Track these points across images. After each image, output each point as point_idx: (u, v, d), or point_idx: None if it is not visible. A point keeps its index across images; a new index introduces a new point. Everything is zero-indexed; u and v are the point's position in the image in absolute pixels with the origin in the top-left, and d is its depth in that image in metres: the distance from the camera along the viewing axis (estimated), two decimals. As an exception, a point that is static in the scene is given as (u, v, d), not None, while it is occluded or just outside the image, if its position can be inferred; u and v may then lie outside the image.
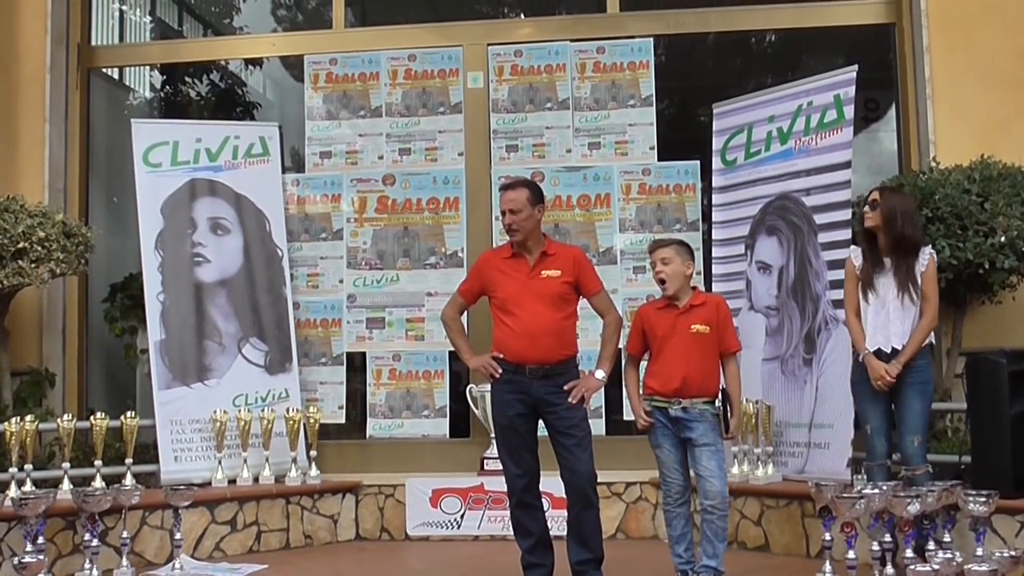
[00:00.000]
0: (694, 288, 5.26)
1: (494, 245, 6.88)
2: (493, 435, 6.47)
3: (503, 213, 5.15)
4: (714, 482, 5.01)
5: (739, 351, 5.29)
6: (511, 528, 5.28)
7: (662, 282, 5.14)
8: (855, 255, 5.54)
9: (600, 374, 5.17)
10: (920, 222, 5.53)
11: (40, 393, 7.14)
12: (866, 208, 5.40)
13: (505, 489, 5.25)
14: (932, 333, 5.39)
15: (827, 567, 5.16)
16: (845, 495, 4.96)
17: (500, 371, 5.09)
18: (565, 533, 5.16)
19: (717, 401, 5.20)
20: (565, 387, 5.04)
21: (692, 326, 5.07)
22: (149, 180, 7.02)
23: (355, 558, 6.42)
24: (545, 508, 5.35)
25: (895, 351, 5.28)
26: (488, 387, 6.21)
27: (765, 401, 6.40)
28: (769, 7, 7.51)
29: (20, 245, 6.30)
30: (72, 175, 7.60)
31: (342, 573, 5.96)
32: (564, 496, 5.14)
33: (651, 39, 7.41)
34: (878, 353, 5.32)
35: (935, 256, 5.41)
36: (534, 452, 5.16)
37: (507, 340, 5.08)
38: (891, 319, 5.31)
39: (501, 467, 5.24)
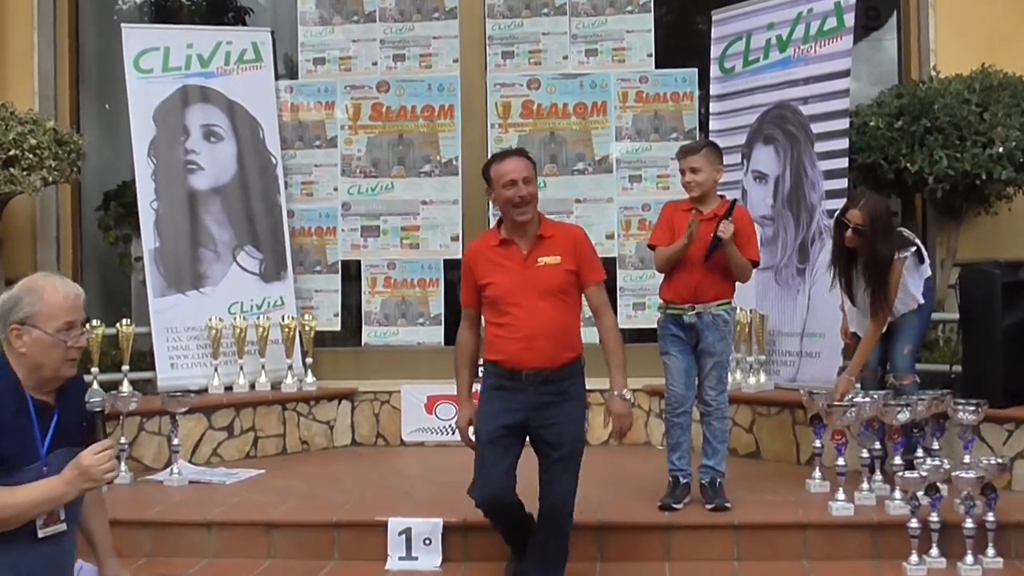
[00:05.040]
0: (721, 196, 5.19)
1: (489, 155, 6.44)
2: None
3: (511, 183, 4.30)
4: (711, 392, 5.09)
5: (757, 262, 5.16)
6: None
7: (691, 191, 5.07)
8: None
9: (627, 393, 4.43)
10: (895, 229, 5.29)
11: (35, 301, 7.12)
12: (848, 232, 5.11)
13: None
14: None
15: (817, 474, 5.26)
16: (836, 403, 5.01)
17: (473, 446, 4.38)
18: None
19: (733, 302, 5.17)
20: (608, 428, 4.78)
21: (713, 233, 4.97)
22: (140, 86, 6.94)
23: (351, 463, 6.51)
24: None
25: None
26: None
27: (758, 310, 6.42)
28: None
29: (11, 152, 6.23)
30: (62, 83, 7.50)
31: (338, 478, 6.03)
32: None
33: (649, -57, 7.26)
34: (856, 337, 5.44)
35: (905, 259, 5.17)
36: (512, 471, 4.35)
37: (500, 344, 4.37)
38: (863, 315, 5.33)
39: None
